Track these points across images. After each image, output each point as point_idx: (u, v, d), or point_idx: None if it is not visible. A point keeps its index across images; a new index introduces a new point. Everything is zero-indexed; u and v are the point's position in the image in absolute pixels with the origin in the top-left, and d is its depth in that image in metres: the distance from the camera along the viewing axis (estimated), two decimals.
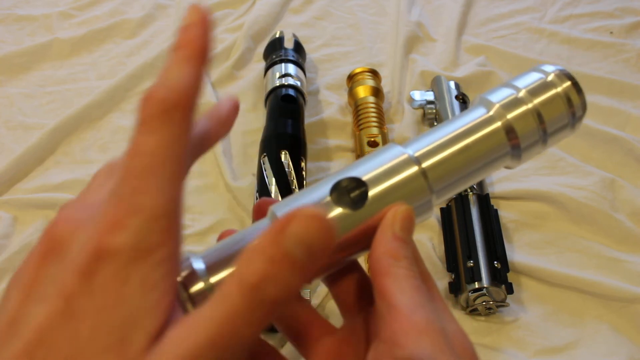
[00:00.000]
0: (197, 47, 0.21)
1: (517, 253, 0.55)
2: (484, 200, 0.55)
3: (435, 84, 0.69)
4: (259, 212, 0.29)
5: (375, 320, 0.27)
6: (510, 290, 0.49)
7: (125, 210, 0.19)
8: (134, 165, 0.20)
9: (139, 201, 0.19)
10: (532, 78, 0.29)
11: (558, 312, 0.51)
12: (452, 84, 0.68)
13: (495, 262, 0.50)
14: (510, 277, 0.50)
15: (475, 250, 0.50)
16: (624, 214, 0.57)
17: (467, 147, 0.28)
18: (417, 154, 0.27)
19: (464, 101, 0.66)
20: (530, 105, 0.28)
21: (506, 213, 0.58)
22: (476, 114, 0.29)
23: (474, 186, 0.56)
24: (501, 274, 0.49)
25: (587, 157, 0.63)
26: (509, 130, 0.28)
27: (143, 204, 0.19)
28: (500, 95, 0.29)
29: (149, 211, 0.19)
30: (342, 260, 0.28)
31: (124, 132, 0.70)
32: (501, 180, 0.61)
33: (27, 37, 0.84)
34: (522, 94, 0.28)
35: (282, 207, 0.26)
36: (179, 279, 0.24)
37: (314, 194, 0.27)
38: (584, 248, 0.55)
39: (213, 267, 0.25)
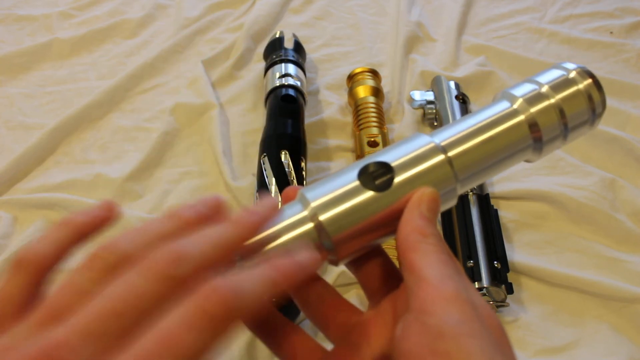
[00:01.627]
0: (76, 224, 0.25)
1: (517, 253, 0.55)
2: (484, 200, 0.55)
3: (435, 84, 0.69)
4: (286, 198, 0.30)
5: (401, 300, 0.28)
6: (510, 290, 0.49)
7: None
8: None
9: None
10: (554, 74, 0.30)
11: (558, 312, 0.51)
12: (452, 84, 0.68)
13: (495, 262, 0.50)
14: (510, 277, 0.50)
15: (475, 250, 0.50)
16: (624, 214, 0.57)
17: (491, 138, 0.28)
18: (443, 143, 0.28)
19: (464, 101, 0.66)
20: (552, 100, 0.29)
21: (506, 213, 0.58)
22: (500, 107, 0.30)
23: (474, 186, 0.56)
24: (501, 274, 0.49)
25: (587, 157, 0.63)
26: (532, 123, 0.29)
27: None
28: (523, 90, 0.30)
29: None
30: (368, 242, 0.28)
31: (124, 132, 0.70)
32: (501, 180, 0.61)
33: (27, 37, 0.84)
34: (544, 89, 0.29)
35: (311, 190, 0.27)
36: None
37: (343, 177, 0.27)
38: (584, 248, 0.55)
39: None
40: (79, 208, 0.59)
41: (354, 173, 0.27)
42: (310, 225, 0.26)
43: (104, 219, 0.26)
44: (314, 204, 0.26)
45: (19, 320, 0.22)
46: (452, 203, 0.29)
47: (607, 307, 0.51)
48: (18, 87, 0.76)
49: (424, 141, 0.28)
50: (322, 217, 0.26)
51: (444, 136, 0.29)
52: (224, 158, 0.63)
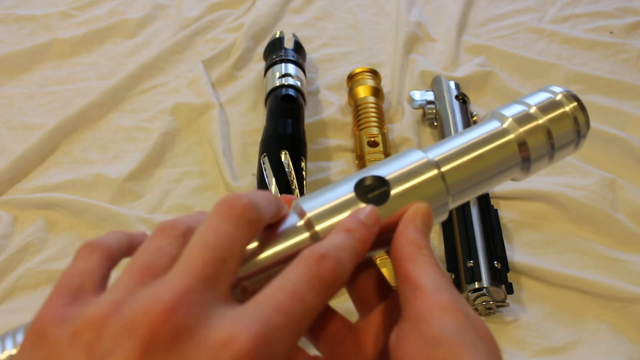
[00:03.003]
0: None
1: (517, 253, 0.55)
2: (484, 200, 0.55)
3: (435, 84, 0.69)
4: None
5: (391, 310, 0.28)
6: (510, 290, 0.49)
7: None
8: None
9: None
10: (542, 97, 0.32)
11: (558, 312, 0.51)
12: (452, 84, 0.68)
13: (495, 262, 0.50)
14: (510, 277, 0.50)
15: (475, 250, 0.50)
16: (624, 214, 0.57)
17: (482, 155, 0.30)
18: (436, 159, 0.29)
19: (464, 101, 0.66)
20: (540, 121, 0.30)
21: (506, 213, 0.58)
22: (490, 126, 0.31)
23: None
24: (501, 274, 0.49)
25: (587, 157, 0.63)
26: (521, 143, 0.30)
27: None
28: (512, 111, 0.31)
29: None
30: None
31: (124, 132, 0.70)
32: None
33: (27, 37, 0.84)
34: (533, 110, 0.31)
35: (307, 201, 0.28)
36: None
37: (339, 189, 0.28)
38: (584, 248, 0.55)
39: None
40: (79, 208, 0.59)
41: (350, 185, 0.28)
42: (306, 234, 0.27)
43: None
44: (310, 214, 0.27)
45: (99, 295, 0.22)
46: (443, 217, 0.29)
47: (607, 307, 0.51)
48: (18, 87, 0.76)
49: (418, 156, 0.29)
50: (318, 227, 0.26)
51: (437, 152, 0.29)
52: (224, 158, 0.63)
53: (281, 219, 0.27)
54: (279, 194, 0.53)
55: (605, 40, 0.79)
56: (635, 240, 0.55)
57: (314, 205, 0.27)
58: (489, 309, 0.49)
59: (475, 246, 0.51)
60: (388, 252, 0.28)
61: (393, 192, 0.28)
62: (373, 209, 0.26)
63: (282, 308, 0.21)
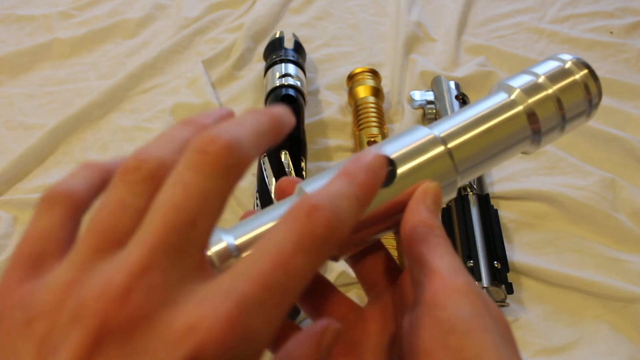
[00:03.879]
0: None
1: (517, 253, 0.55)
2: (484, 200, 0.55)
3: (435, 84, 0.69)
4: (281, 191, 0.29)
5: (400, 294, 0.27)
6: (510, 290, 0.49)
7: None
8: None
9: None
10: (550, 65, 0.30)
11: (558, 312, 0.51)
12: (452, 84, 0.68)
13: (495, 262, 0.50)
14: (510, 277, 0.50)
15: (475, 250, 0.50)
16: (624, 214, 0.57)
17: (490, 129, 0.28)
18: (442, 135, 0.28)
19: (464, 101, 0.66)
20: (550, 91, 0.29)
21: (506, 213, 0.58)
22: (498, 99, 0.29)
23: (474, 186, 0.56)
24: (501, 274, 0.49)
25: (587, 157, 0.63)
26: (531, 114, 0.29)
27: None
28: (520, 81, 0.30)
29: None
30: (370, 236, 0.28)
31: (124, 132, 0.70)
32: (501, 180, 0.61)
33: (27, 37, 0.84)
34: (541, 80, 0.29)
35: (310, 184, 0.26)
36: (209, 252, 0.23)
37: None
38: (584, 248, 0.55)
39: (245, 244, 0.24)
40: None
41: None
42: None
43: None
44: None
45: (63, 260, 0.19)
46: (452, 195, 0.28)
47: (607, 307, 0.51)
48: (18, 87, 0.76)
49: (424, 133, 0.28)
50: None
51: (442, 128, 0.28)
52: None
53: (280, 204, 0.26)
54: None
55: (605, 40, 0.79)
56: (635, 240, 0.55)
57: (316, 187, 0.26)
58: None
59: (475, 246, 0.51)
60: (396, 234, 0.27)
61: (399, 171, 0.26)
62: (377, 153, 0.22)
63: (261, 278, 0.17)
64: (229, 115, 0.22)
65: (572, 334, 0.49)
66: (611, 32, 0.80)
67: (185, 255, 0.17)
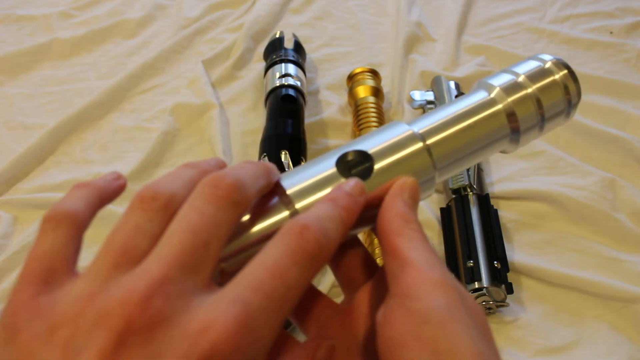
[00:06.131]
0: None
1: (517, 253, 0.55)
2: (484, 200, 0.55)
3: (435, 84, 0.69)
4: None
5: (376, 289, 0.27)
6: (510, 290, 0.49)
7: None
8: None
9: None
10: (530, 65, 0.30)
11: (558, 312, 0.51)
12: (452, 84, 0.69)
13: (495, 262, 0.50)
14: (510, 277, 0.50)
15: (475, 250, 0.50)
16: (624, 214, 0.57)
17: (469, 126, 0.28)
18: (421, 131, 0.28)
19: None
20: (529, 90, 0.29)
21: (506, 213, 0.58)
22: (478, 97, 0.29)
23: (474, 186, 0.56)
24: (501, 274, 0.49)
25: (587, 157, 0.63)
26: (510, 113, 0.29)
27: None
28: (500, 80, 0.30)
29: None
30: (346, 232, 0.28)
31: (124, 132, 0.70)
32: (501, 180, 0.61)
33: (27, 37, 0.84)
34: (521, 79, 0.30)
35: (287, 178, 0.26)
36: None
37: (320, 165, 0.27)
38: (584, 248, 0.55)
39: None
40: None
41: (332, 161, 0.27)
42: (286, 213, 0.25)
43: (118, 186, 0.25)
44: (289, 192, 0.25)
45: (72, 275, 0.21)
46: (429, 192, 0.28)
47: (607, 307, 0.51)
48: (18, 87, 0.76)
49: (402, 129, 0.28)
50: (299, 205, 0.25)
51: (422, 125, 0.28)
52: (224, 158, 0.63)
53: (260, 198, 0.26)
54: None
55: (605, 40, 0.79)
56: (635, 240, 0.55)
57: (293, 182, 0.26)
58: (489, 309, 0.49)
59: (475, 246, 0.51)
60: (373, 230, 0.27)
61: (377, 167, 0.26)
62: (358, 181, 0.25)
63: (262, 287, 0.19)
64: (224, 163, 0.26)
65: (572, 334, 0.49)
66: (611, 32, 0.81)
67: (198, 271, 0.20)
